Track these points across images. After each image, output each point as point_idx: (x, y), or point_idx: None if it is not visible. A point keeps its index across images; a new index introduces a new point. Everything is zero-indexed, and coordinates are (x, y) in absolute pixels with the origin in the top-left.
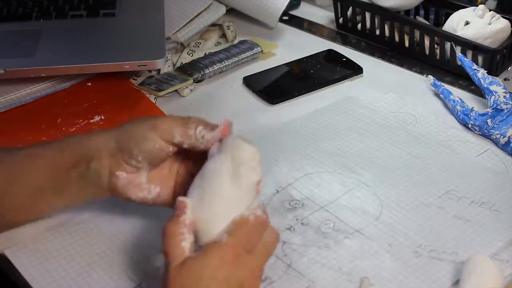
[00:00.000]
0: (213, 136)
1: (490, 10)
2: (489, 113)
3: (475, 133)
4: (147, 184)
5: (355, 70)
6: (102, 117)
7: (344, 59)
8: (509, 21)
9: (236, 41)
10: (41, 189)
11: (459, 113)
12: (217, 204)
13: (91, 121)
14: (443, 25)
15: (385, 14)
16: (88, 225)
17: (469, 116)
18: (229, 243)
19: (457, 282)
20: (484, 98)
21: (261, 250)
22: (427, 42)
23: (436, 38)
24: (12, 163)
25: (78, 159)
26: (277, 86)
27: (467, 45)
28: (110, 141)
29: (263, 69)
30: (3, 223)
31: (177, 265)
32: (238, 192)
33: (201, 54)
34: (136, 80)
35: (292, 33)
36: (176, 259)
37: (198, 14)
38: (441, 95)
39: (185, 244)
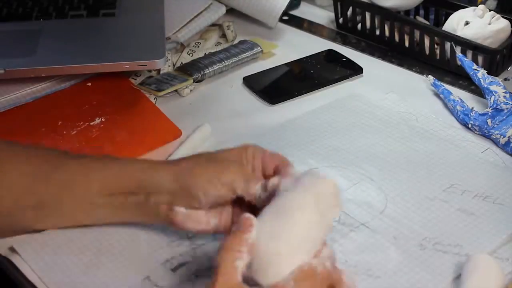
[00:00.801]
0: (266, 196)
1: (490, 10)
2: (489, 113)
3: (475, 133)
4: (206, 217)
5: (355, 70)
6: (103, 119)
7: (344, 59)
8: (509, 21)
9: (236, 41)
10: (94, 205)
11: (459, 113)
12: (292, 239)
13: (91, 123)
14: (443, 25)
15: (385, 14)
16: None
17: (469, 116)
18: None
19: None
20: (484, 98)
21: None
22: (427, 42)
23: (436, 38)
24: (67, 173)
25: (136, 189)
26: (277, 86)
27: (467, 45)
28: (173, 183)
29: (263, 69)
30: (45, 227)
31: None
32: (316, 231)
33: (201, 54)
34: (135, 79)
35: (292, 33)
36: (224, 277)
37: (198, 14)
38: (441, 95)
39: (240, 263)
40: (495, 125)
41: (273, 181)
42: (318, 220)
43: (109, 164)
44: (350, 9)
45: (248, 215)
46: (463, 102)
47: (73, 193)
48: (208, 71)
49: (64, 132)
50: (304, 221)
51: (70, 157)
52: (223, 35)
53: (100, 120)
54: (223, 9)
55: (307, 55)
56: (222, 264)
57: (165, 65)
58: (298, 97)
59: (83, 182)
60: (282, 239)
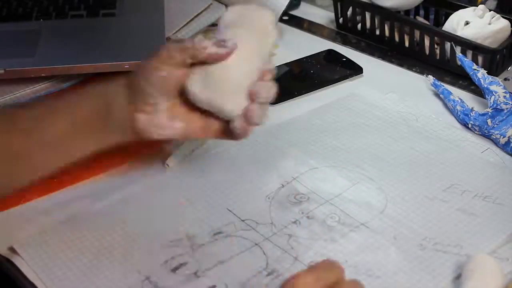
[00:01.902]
0: (217, 51)
1: (490, 10)
2: (489, 113)
3: (475, 133)
4: (169, 122)
5: (355, 70)
6: None
7: (344, 59)
8: (509, 21)
9: None
10: (63, 139)
11: (459, 113)
12: (239, 70)
13: None
14: (443, 25)
15: (385, 14)
16: (96, 219)
17: (469, 116)
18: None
19: (461, 275)
20: (484, 98)
21: None
22: (427, 42)
23: (436, 38)
24: (33, 117)
25: (98, 111)
26: (277, 86)
27: (467, 45)
28: (124, 88)
29: None
30: (26, 177)
31: None
32: (257, 58)
33: None
34: None
35: (292, 33)
36: None
37: (198, 14)
38: (441, 95)
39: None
40: (495, 125)
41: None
42: (257, 49)
43: (71, 97)
44: (350, 9)
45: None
46: (463, 102)
47: (41, 133)
48: None
49: None
50: (246, 53)
51: (33, 105)
52: None
53: None
54: (223, 9)
55: (307, 55)
56: None
57: None
58: (298, 97)
59: (50, 120)
60: (231, 70)
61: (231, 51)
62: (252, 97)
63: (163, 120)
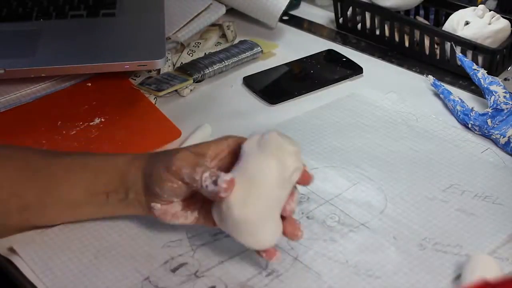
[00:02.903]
0: (213, 190)
1: (490, 10)
2: (489, 113)
3: (475, 133)
4: (183, 211)
5: (355, 70)
6: (102, 120)
7: (344, 59)
8: (509, 21)
9: (236, 41)
10: (77, 205)
11: (459, 113)
12: (260, 205)
13: (91, 123)
14: (443, 25)
15: (385, 14)
16: (95, 219)
17: (469, 116)
18: None
19: (461, 275)
20: (484, 98)
21: None
22: (427, 42)
23: (436, 38)
24: (48, 175)
25: (117, 186)
26: (277, 86)
27: (467, 45)
28: (141, 176)
29: (263, 69)
30: (33, 227)
31: None
32: (281, 192)
33: (201, 54)
34: (135, 80)
35: (292, 33)
36: None
37: (198, 14)
38: (441, 95)
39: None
40: (495, 125)
41: (225, 176)
42: (282, 182)
43: (89, 164)
44: (350, 9)
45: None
46: (463, 102)
47: (56, 194)
48: (208, 71)
49: (64, 132)
50: (270, 187)
51: (52, 156)
52: (223, 35)
53: (99, 120)
54: (223, 9)
55: (307, 55)
56: None
57: (165, 65)
58: (298, 97)
59: (65, 183)
60: (251, 207)
61: (224, 192)
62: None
63: (178, 210)
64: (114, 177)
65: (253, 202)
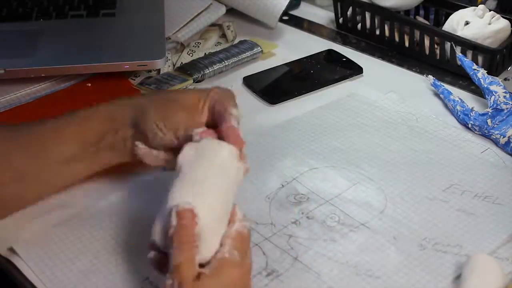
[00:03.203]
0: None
1: (490, 10)
2: (489, 113)
3: (475, 133)
4: (165, 156)
5: (355, 70)
6: None
7: (344, 59)
8: (509, 21)
9: (236, 41)
10: (70, 161)
11: (459, 113)
12: (218, 212)
13: None
14: (443, 25)
15: (385, 14)
16: (95, 220)
17: (469, 116)
18: (238, 262)
19: (461, 275)
20: (484, 98)
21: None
22: (427, 42)
23: (436, 38)
24: (39, 136)
25: (106, 129)
26: (277, 86)
27: (467, 45)
28: (133, 116)
29: (263, 69)
30: (35, 195)
31: (192, 281)
32: (227, 197)
33: (201, 54)
34: (134, 80)
35: (292, 33)
36: (190, 275)
37: (198, 14)
38: (441, 95)
39: (198, 257)
40: (495, 125)
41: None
42: (227, 187)
43: (77, 115)
44: (350, 9)
45: (188, 206)
46: (463, 102)
47: (48, 155)
48: (208, 71)
49: None
50: (220, 194)
51: (38, 123)
52: (223, 35)
53: None
54: (223, 9)
55: (307, 55)
56: (184, 262)
57: (165, 65)
58: (298, 97)
59: (55, 140)
60: (210, 218)
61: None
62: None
63: (161, 154)
64: (104, 121)
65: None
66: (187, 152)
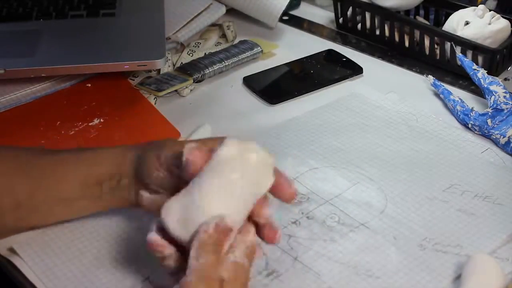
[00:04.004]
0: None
1: (490, 10)
2: (489, 113)
3: (475, 133)
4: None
5: (355, 70)
6: (101, 120)
7: (344, 59)
8: (509, 21)
9: (236, 41)
10: (69, 200)
11: (459, 113)
12: (241, 219)
13: (90, 124)
14: (443, 25)
15: (385, 14)
16: (95, 219)
17: (469, 116)
18: (247, 269)
19: (461, 275)
20: (484, 98)
21: (231, 277)
22: (427, 42)
23: (436, 38)
24: (40, 170)
25: (112, 174)
26: (277, 86)
27: (467, 45)
28: (134, 165)
29: (263, 69)
30: (28, 226)
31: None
32: (248, 204)
33: (201, 54)
34: (133, 80)
35: (292, 33)
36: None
37: (198, 14)
38: (441, 95)
39: None
40: (495, 125)
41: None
42: (249, 195)
43: (83, 156)
44: (350, 9)
45: (229, 225)
46: (463, 102)
47: (48, 189)
48: (208, 71)
49: (63, 132)
50: (245, 203)
51: (43, 153)
52: (223, 35)
53: (98, 120)
54: (223, 9)
55: (307, 55)
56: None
57: (165, 65)
58: (298, 97)
59: (57, 177)
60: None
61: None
62: None
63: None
64: (109, 166)
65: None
66: (226, 152)
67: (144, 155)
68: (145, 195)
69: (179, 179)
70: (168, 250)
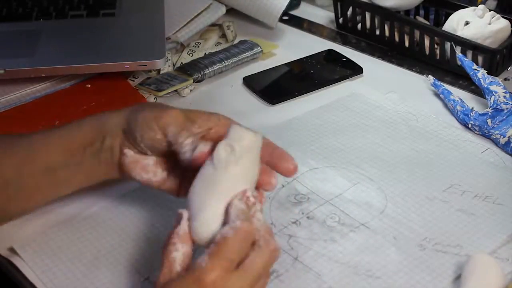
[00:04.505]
0: (187, 158)
1: (490, 10)
2: (489, 113)
3: (475, 133)
4: (154, 167)
5: (355, 70)
6: None
7: (344, 59)
8: (509, 21)
9: (236, 41)
10: (54, 169)
11: (459, 113)
12: (218, 211)
13: None
14: (443, 25)
15: (385, 14)
16: (95, 219)
17: (469, 116)
18: (208, 266)
19: (461, 275)
20: (484, 98)
21: (248, 268)
22: (427, 42)
23: (436, 38)
24: (27, 145)
25: (94, 136)
26: (277, 86)
27: (467, 45)
28: (122, 121)
29: (263, 69)
30: (18, 207)
31: (161, 286)
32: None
33: (201, 54)
34: (133, 81)
35: (292, 33)
36: (165, 270)
37: (198, 14)
38: (441, 95)
39: (176, 254)
40: (495, 125)
41: (202, 148)
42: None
43: (67, 125)
44: (350, 9)
45: (180, 210)
46: (463, 102)
47: (33, 162)
48: (208, 71)
49: None
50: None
51: (30, 133)
52: (223, 35)
53: None
54: (223, 9)
55: (307, 55)
56: (162, 260)
57: (165, 65)
58: (298, 97)
59: (42, 149)
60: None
61: (194, 162)
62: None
63: (149, 164)
64: (92, 130)
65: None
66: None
67: (139, 114)
68: (129, 153)
69: (170, 145)
70: None
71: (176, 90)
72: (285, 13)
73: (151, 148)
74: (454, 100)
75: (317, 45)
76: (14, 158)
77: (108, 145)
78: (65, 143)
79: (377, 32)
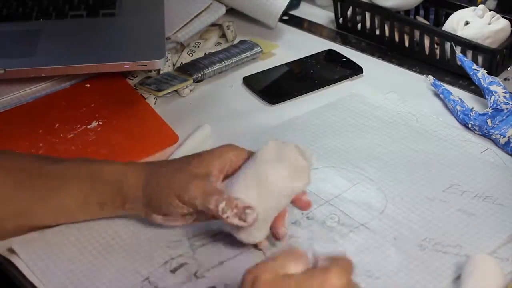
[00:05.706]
0: (238, 223)
1: (490, 10)
2: (489, 113)
3: (475, 133)
4: (183, 218)
5: (355, 70)
6: (100, 123)
7: (344, 59)
8: (509, 21)
9: (236, 41)
10: (70, 213)
11: (459, 113)
12: (269, 210)
13: (88, 126)
14: (443, 25)
15: (385, 14)
16: (95, 220)
17: (469, 116)
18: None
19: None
20: (484, 98)
21: None
22: (427, 42)
23: (436, 38)
24: (47, 180)
25: (112, 198)
26: (277, 86)
27: (467, 45)
28: (140, 195)
29: (263, 69)
30: (22, 232)
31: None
32: (284, 201)
33: (201, 54)
34: (132, 80)
35: (292, 33)
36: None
37: (198, 14)
38: (441, 95)
39: None
40: (495, 125)
41: (250, 214)
42: (288, 193)
43: (84, 173)
44: (350, 9)
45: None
46: (463, 102)
47: (50, 202)
48: (208, 71)
49: (61, 135)
50: (278, 195)
51: (46, 163)
52: (223, 35)
53: (97, 123)
54: (223, 9)
55: (307, 55)
56: None
57: (165, 65)
58: (298, 97)
59: (59, 191)
60: (259, 208)
61: (250, 225)
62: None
63: (179, 217)
64: (110, 188)
65: (261, 205)
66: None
67: (159, 192)
68: (158, 218)
69: (201, 211)
70: None
71: (176, 90)
72: (285, 13)
73: (179, 213)
74: (454, 100)
75: (317, 45)
76: (29, 193)
77: (130, 208)
78: (82, 195)
79: (377, 32)
